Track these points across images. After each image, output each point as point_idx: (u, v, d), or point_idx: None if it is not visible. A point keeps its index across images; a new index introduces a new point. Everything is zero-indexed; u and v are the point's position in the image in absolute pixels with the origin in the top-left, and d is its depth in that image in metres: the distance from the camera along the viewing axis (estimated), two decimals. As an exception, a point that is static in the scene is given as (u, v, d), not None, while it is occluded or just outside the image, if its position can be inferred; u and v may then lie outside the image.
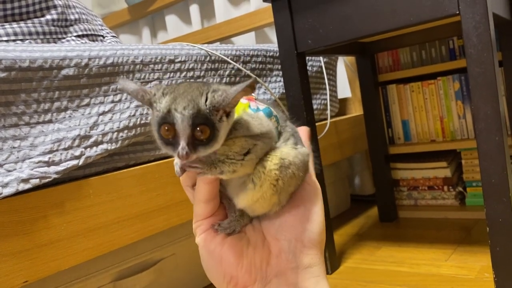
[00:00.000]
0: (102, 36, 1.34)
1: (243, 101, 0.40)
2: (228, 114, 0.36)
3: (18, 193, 0.69)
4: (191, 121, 0.33)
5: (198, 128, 0.34)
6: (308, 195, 0.42)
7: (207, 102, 0.34)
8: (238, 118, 0.38)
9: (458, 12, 0.82)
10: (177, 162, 0.40)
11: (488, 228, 0.83)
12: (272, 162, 0.39)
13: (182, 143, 0.34)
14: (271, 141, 0.40)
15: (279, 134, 0.42)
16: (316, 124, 1.28)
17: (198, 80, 1.02)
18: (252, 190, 0.39)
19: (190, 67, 1.01)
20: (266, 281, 0.40)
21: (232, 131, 0.37)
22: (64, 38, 1.20)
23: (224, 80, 1.10)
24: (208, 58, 1.06)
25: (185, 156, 0.34)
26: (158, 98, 0.35)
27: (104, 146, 0.82)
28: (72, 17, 1.23)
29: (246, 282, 0.40)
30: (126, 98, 0.87)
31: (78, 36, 1.23)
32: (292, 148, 0.41)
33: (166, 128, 0.34)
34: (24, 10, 1.13)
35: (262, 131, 0.39)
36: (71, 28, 1.22)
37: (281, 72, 1.26)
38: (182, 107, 0.34)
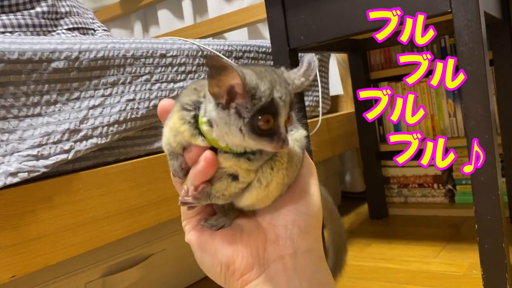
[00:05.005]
0: (93, 29, 1.33)
1: None
2: None
3: (6, 187, 0.68)
4: (289, 109, 0.32)
5: (288, 116, 0.33)
6: (303, 178, 0.40)
7: (292, 88, 0.34)
8: None
9: (450, 10, 0.82)
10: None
11: (476, 226, 0.84)
12: (281, 162, 0.37)
13: (283, 132, 0.32)
14: None
15: None
16: (308, 121, 1.28)
17: (189, 75, 1.02)
18: (258, 189, 0.37)
19: (182, 61, 1.00)
20: (264, 267, 0.38)
21: None
22: (54, 31, 1.18)
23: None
24: (200, 53, 1.05)
25: (285, 145, 0.32)
26: (255, 85, 0.31)
27: (94, 140, 0.81)
28: (62, 9, 1.21)
29: (243, 269, 0.38)
30: (116, 92, 0.87)
31: (69, 29, 1.22)
32: (290, 137, 0.39)
33: (267, 119, 0.31)
34: (13, 2, 1.11)
35: None
36: (61, 21, 1.21)
37: (273, 68, 1.25)
38: (283, 94, 0.32)
